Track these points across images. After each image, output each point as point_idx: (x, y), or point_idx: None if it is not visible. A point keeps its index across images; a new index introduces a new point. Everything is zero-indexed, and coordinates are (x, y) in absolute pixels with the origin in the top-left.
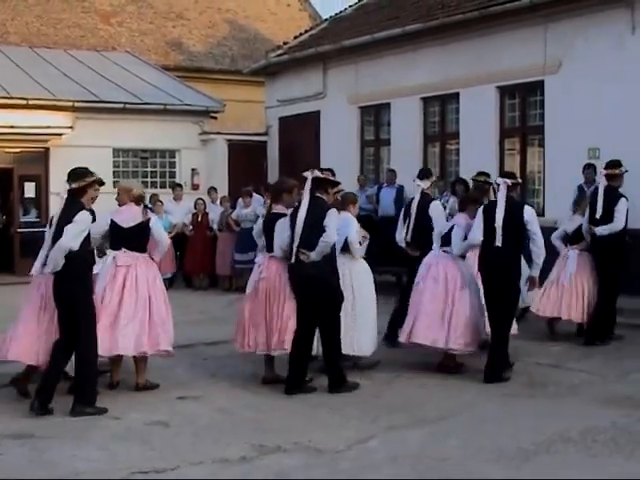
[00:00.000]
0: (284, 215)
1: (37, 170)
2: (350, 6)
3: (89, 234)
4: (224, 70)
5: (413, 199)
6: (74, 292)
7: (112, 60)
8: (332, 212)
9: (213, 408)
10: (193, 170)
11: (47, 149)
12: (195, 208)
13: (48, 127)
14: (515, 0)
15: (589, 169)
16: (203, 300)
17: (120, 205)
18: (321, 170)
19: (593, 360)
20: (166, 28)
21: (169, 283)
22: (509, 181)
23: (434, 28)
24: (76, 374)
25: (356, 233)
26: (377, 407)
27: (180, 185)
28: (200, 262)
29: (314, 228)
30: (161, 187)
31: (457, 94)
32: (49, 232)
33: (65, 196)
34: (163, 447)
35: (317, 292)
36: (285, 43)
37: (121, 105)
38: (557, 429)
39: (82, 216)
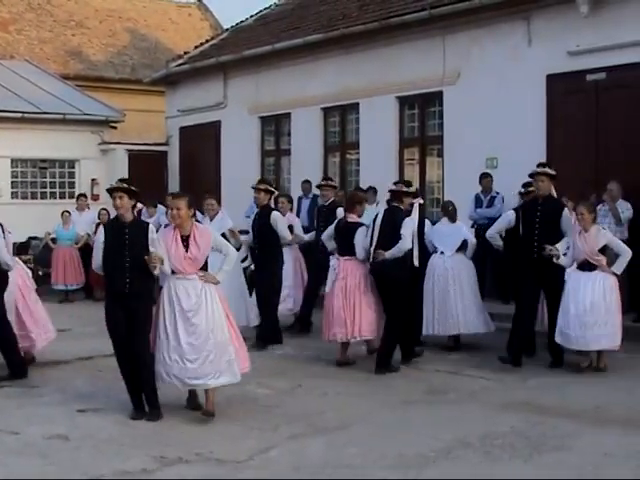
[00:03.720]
0: (359, 223)
1: None
2: (251, 16)
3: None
4: (124, 79)
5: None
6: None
7: (10, 69)
8: (407, 222)
9: (113, 421)
10: (93, 180)
11: None
12: (99, 218)
13: None
14: (414, 12)
15: (486, 178)
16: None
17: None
18: (395, 183)
19: (492, 367)
20: (66, 36)
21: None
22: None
23: (334, 39)
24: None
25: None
26: (278, 417)
27: (84, 195)
28: None
29: (389, 233)
30: (60, 197)
31: (357, 104)
32: None
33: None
34: (63, 461)
35: (388, 285)
36: (186, 53)
37: (19, 114)
38: (457, 435)
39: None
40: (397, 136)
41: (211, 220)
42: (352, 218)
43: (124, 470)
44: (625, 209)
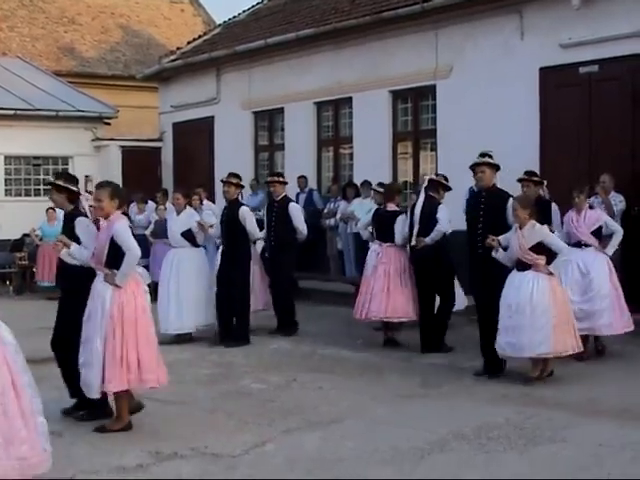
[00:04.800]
0: (397, 212)
1: None
2: (244, 11)
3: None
4: (117, 76)
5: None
6: None
7: (3, 65)
8: (442, 207)
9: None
10: (87, 177)
11: None
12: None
13: None
14: (407, 6)
15: None
16: None
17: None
18: (436, 174)
19: None
20: (58, 33)
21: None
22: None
23: (327, 33)
24: None
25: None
26: (273, 411)
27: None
28: None
29: (428, 220)
30: None
31: (350, 98)
32: None
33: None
34: (58, 457)
35: (431, 268)
36: (179, 48)
37: (12, 111)
38: (451, 428)
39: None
40: (390, 130)
41: (178, 214)
42: (391, 207)
43: (119, 466)
44: (618, 201)
